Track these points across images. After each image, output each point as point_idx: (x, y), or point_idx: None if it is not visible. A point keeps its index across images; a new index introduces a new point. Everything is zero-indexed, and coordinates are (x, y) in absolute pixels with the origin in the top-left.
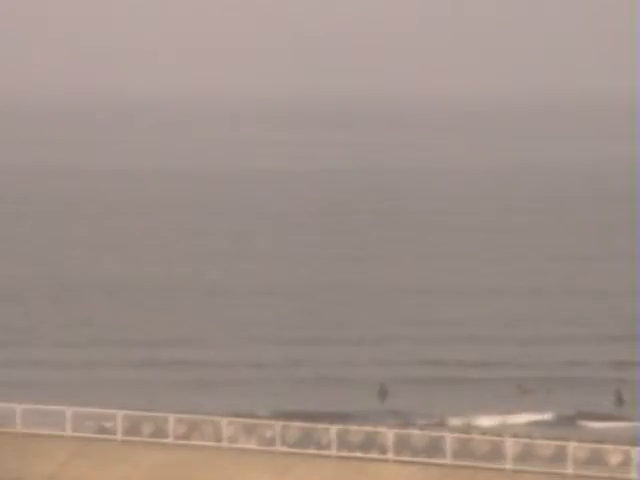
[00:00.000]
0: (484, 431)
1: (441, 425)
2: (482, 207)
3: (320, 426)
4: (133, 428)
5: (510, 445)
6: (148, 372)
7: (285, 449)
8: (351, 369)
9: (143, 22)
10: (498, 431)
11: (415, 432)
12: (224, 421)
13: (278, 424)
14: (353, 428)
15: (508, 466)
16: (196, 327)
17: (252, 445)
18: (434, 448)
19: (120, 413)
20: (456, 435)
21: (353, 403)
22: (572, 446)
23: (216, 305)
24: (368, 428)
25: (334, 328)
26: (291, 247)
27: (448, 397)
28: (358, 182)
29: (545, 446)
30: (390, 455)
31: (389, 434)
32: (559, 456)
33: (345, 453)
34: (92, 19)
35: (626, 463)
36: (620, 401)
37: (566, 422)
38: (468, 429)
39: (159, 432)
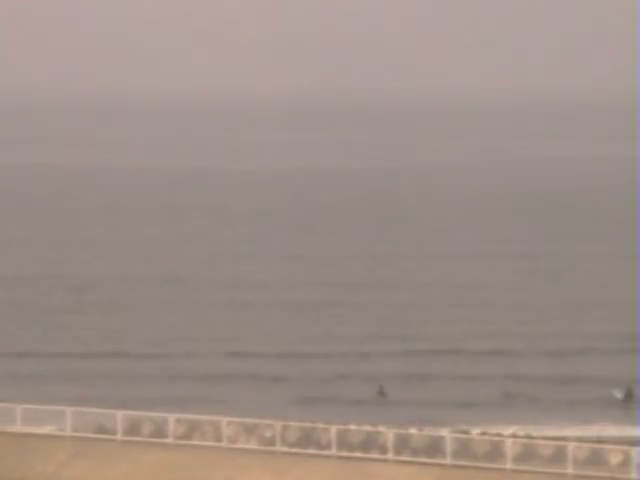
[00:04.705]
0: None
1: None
2: (482, 207)
3: (320, 426)
4: (133, 428)
5: (510, 445)
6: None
7: (285, 449)
8: (348, 379)
9: (142, 22)
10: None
11: (415, 432)
12: (224, 421)
13: (278, 424)
14: (353, 428)
15: (508, 466)
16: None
17: (252, 445)
18: (434, 448)
19: (120, 413)
20: (456, 435)
21: None
22: (572, 446)
23: (218, 308)
24: (368, 428)
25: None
26: (291, 247)
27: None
28: (357, 182)
29: (545, 446)
30: (390, 455)
31: (389, 434)
32: (559, 456)
33: (345, 453)
34: (92, 19)
35: (626, 463)
36: (630, 396)
37: None
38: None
39: (159, 432)
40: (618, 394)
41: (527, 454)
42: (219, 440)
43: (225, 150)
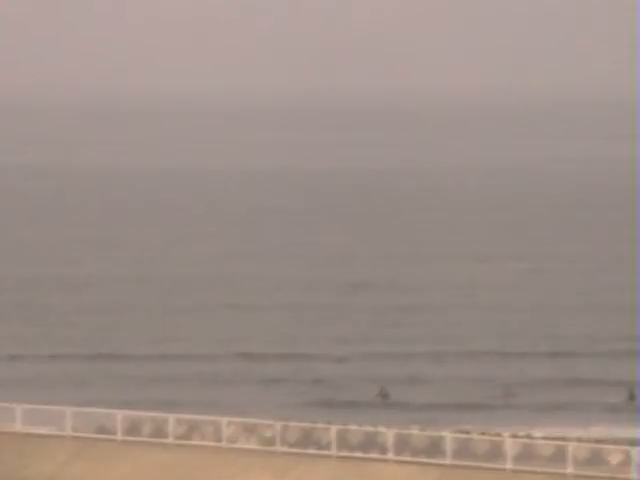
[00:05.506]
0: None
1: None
2: (482, 207)
3: (320, 426)
4: (133, 428)
5: (510, 445)
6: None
7: (285, 449)
8: (350, 381)
9: (142, 22)
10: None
11: (415, 432)
12: (224, 421)
13: (278, 424)
14: (353, 428)
15: (508, 466)
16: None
17: (252, 445)
18: (434, 448)
19: (120, 413)
20: (456, 435)
21: None
22: (572, 446)
23: (218, 309)
24: (368, 428)
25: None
26: (291, 247)
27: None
28: (357, 182)
29: (545, 446)
30: (390, 455)
31: (389, 434)
32: (559, 456)
33: (345, 453)
34: (91, 19)
35: (626, 463)
36: (632, 397)
37: None
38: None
39: (159, 432)
40: (614, 400)
41: (527, 454)
42: (219, 440)
43: (225, 150)
